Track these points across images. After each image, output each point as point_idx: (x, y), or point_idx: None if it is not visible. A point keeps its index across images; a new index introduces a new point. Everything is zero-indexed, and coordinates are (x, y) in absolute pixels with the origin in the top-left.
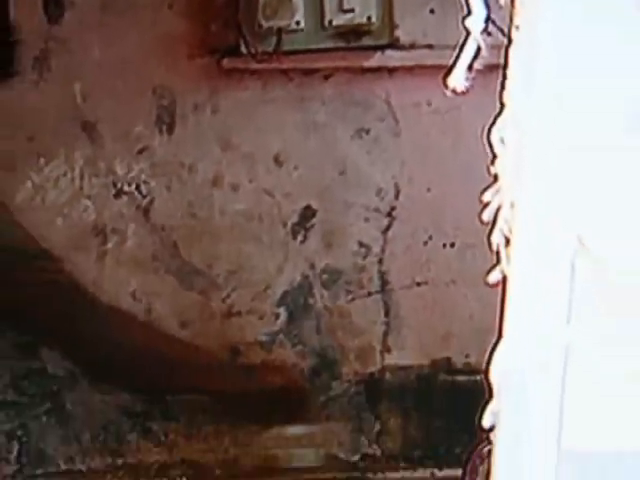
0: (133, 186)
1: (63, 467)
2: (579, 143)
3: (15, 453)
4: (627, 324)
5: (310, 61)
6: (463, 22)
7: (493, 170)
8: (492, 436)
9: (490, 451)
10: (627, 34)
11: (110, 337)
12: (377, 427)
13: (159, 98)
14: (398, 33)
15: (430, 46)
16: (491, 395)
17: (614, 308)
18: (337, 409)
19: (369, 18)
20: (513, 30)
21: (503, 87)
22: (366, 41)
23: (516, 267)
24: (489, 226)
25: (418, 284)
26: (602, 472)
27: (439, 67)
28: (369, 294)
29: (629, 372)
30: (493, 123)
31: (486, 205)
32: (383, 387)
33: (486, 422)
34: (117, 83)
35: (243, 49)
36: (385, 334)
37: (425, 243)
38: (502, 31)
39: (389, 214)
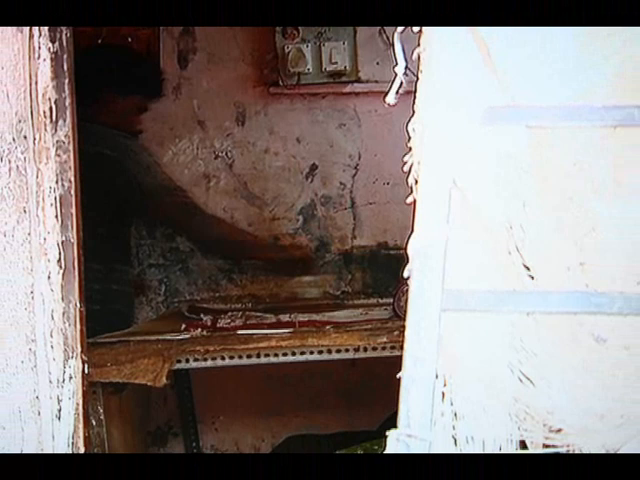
0: (224, 153)
1: (187, 297)
2: (453, 130)
3: (163, 290)
4: (475, 226)
5: (315, 89)
6: (394, 68)
7: (409, 144)
8: (409, 281)
9: (407, 289)
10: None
11: (211, 230)
12: (349, 277)
13: (237, 107)
14: (360, 74)
15: (376, 81)
16: (408, 260)
17: (470, 216)
18: (329, 268)
19: (345, 67)
20: (419, 73)
21: (414, 102)
22: (344, 79)
23: (420, 194)
24: (407, 173)
25: (370, 203)
26: (464, 301)
27: (382, 92)
28: (345, 209)
29: (478, 250)
30: (409, 120)
31: (405, 162)
32: (352, 257)
33: (405, 274)
34: (215, 100)
35: (281, 83)
36: (353, 230)
37: (374, 182)
38: (413, 73)
39: (355, 167)
